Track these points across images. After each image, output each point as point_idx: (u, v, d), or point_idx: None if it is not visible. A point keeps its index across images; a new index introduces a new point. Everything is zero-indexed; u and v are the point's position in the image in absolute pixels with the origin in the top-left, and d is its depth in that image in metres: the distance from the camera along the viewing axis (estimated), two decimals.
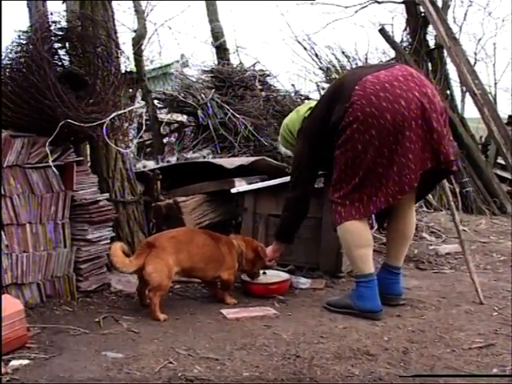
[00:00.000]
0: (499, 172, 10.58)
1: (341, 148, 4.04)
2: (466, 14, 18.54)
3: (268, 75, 9.36)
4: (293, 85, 10.43)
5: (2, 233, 3.98)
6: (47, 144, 4.16)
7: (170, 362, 3.21)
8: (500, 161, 10.56)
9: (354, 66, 10.13)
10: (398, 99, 3.87)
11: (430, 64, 10.54)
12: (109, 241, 4.58)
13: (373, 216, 4.82)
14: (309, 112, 4.53)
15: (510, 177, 10.28)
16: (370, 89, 3.90)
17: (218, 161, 6.14)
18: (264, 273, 4.71)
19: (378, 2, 15.33)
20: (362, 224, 4.14)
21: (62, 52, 4.59)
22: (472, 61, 18.76)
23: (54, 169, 4.23)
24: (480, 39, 21.04)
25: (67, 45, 4.61)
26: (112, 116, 4.44)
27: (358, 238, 4.14)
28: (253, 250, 4.56)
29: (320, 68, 10.55)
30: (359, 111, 3.89)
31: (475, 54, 21.08)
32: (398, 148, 3.88)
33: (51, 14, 4.66)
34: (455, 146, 8.03)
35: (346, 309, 4.17)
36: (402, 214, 4.36)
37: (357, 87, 3.94)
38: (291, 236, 4.71)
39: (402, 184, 3.94)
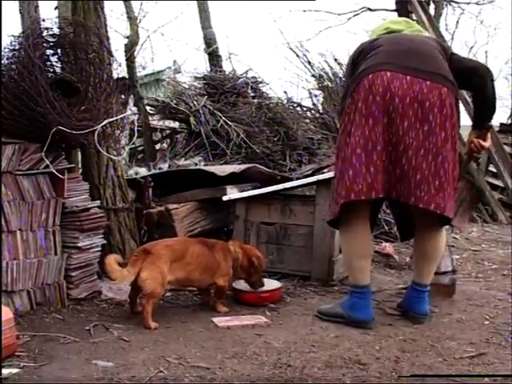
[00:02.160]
0: (491, 180, 10.59)
1: None
2: (457, 22, 18.65)
3: (260, 82, 9.37)
4: (285, 92, 10.45)
5: None
6: (43, 152, 4.17)
7: (161, 371, 3.18)
8: (491, 168, 10.58)
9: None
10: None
11: None
12: (100, 248, 4.57)
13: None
14: (385, 33, 4.24)
15: (501, 184, 10.29)
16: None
17: (209, 168, 6.13)
18: None
19: (371, 10, 15.42)
20: (366, 232, 4.09)
21: (53, 58, 4.58)
22: None
23: (56, 173, 4.23)
24: (472, 47, 21.24)
25: (59, 51, 4.59)
26: (104, 123, 4.42)
27: (359, 247, 4.07)
28: (248, 259, 4.54)
29: (312, 75, 10.56)
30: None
31: None
32: None
33: (43, 20, 4.64)
34: None
35: (337, 317, 4.13)
36: (425, 235, 4.19)
37: None
38: None
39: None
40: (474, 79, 4.05)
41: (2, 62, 4.26)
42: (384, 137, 3.78)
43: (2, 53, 4.28)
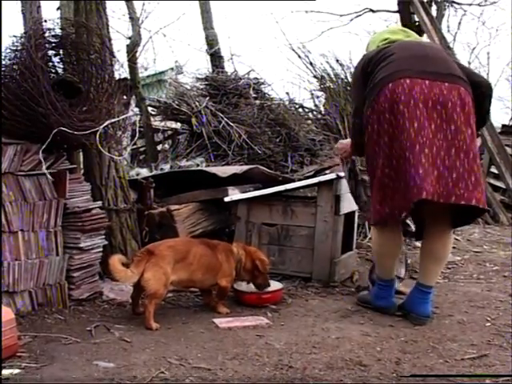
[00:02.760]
0: (492, 181, 10.59)
1: None
2: (460, 24, 18.63)
3: (262, 83, 9.36)
4: (287, 93, 10.44)
5: None
6: (40, 152, 4.16)
7: (162, 372, 3.18)
8: (493, 170, 10.57)
9: (347, 75, 10.13)
10: None
11: None
12: (101, 249, 4.58)
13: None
14: (385, 43, 4.36)
15: (503, 186, 10.28)
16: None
17: (211, 169, 6.13)
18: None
19: (373, 11, 15.41)
20: (393, 237, 4.30)
21: (55, 59, 4.59)
22: None
23: (49, 176, 4.23)
24: (474, 48, 21.16)
25: (61, 52, 4.60)
26: (105, 124, 4.43)
27: (388, 249, 4.33)
28: (252, 261, 4.55)
29: (314, 76, 10.54)
30: None
31: (469, 63, 21.16)
32: None
33: (45, 21, 4.64)
34: None
35: (366, 304, 4.54)
36: (437, 236, 4.28)
37: None
38: None
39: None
40: (477, 93, 4.13)
41: (4, 62, 4.26)
42: (419, 141, 3.85)
43: (4, 54, 4.28)
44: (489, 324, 4.21)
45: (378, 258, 4.45)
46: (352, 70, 10.04)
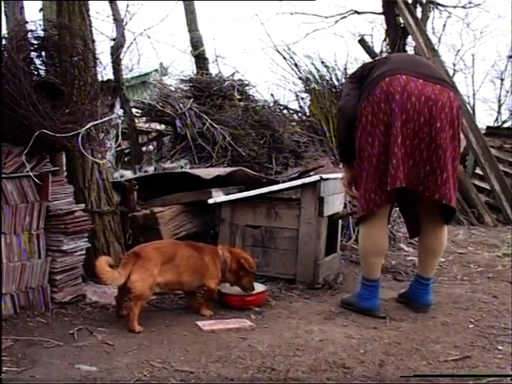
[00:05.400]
0: (477, 182, 10.64)
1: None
2: (444, 26, 18.65)
3: (247, 85, 9.35)
4: (272, 94, 10.45)
5: None
6: (24, 154, 4.13)
7: (145, 375, 3.17)
8: (478, 171, 10.62)
9: (332, 77, 10.14)
10: None
11: None
12: (84, 252, 4.56)
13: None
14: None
15: (488, 187, 10.33)
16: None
17: (195, 171, 6.12)
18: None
19: (358, 13, 15.46)
20: (381, 232, 4.44)
21: (38, 61, 4.55)
22: (451, 72, 18.97)
23: (34, 179, 4.21)
24: (459, 50, 21.20)
25: (43, 54, 4.57)
26: (88, 126, 4.41)
27: (374, 246, 4.43)
28: (237, 263, 4.54)
29: (299, 78, 10.55)
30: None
31: (454, 64, 21.22)
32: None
33: (27, 22, 4.61)
34: None
35: (349, 306, 4.55)
36: (432, 232, 4.55)
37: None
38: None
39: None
40: None
41: None
42: (402, 131, 4.08)
43: None
44: (472, 326, 4.24)
45: (366, 256, 4.49)
46: (337, 71, 10.10)
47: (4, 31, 5.17)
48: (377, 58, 4.67)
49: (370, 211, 4.31)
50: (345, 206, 6.31)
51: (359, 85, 4.41)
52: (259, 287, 4.72)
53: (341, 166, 4.75)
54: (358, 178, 4.43)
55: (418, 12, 14.40)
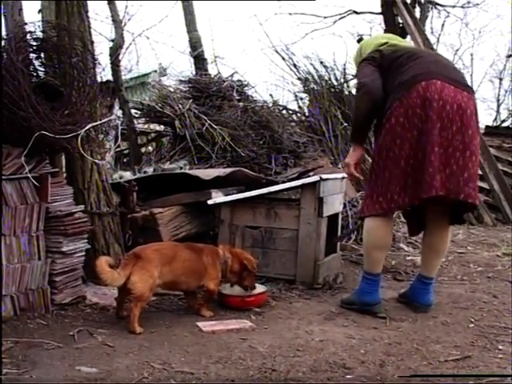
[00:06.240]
0: None
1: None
2: (443, 25, 18.64)
3: (246, 85, 9.33)
4: (271, 95, 10.44)
5: None
6: (23, 156, 4.13)
7: (145, 377, 3.17)
8: None
9: (331, 77, 10.14)
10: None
11: None
12: (84, 253, 4.54)
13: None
14: (384, 47, 4.59)
15: (487, 187, 10.32)
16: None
17: (194, 172, 6.11)
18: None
19: (357, 13, 15.44)
20: (387, 227, 4.45)
21: (37, 62, 4.54)
22: None
23: (33, 180, 4.20)
24: (457, 50, 21.18)
25: (42, 55, 4.56)
26: (87, 127, 4.40)
27: (379, 240, 4.45)
28: (239, 263, 4.54)
29: (298, 78, 10.53)
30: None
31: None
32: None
33: (26, 23, 4.61)
34: None
35: (351, 305, 4.54)
36: (438, 231, 4.56)
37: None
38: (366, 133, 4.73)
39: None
40: None
41: None
42: (438, 140, 4.11)
43: None
44: (472, 325, 4.23)
45: (370, 250, 4.51)
46: (336, 71, 10.09)
47: (3, 33, 5.18)
48: (392, 47, 4.56)
49: (391, 210, 4.40)
50: (344, 207, 6.32)
51: (378, 70, 4.42)
52: (259, 288, 4.72)
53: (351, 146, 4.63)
54: (371, 172, 4.43)
55: (417, 12, 14.41)
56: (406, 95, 4.17)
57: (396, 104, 4.20)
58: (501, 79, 21.43)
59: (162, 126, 8.97)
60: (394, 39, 4.83)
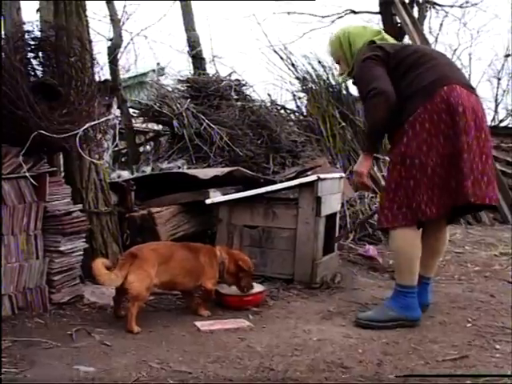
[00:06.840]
0: None
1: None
2: (441, 25, 18.63)
3: (244, 85, 9.34)
4: (269, 94, 10.43)
5: None
6: (21, 155, 4.13)
7: (143, 376, 3.17)
8: None
9: (329, 76, 10.14)
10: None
11: None
12: (82, 252, 4.55)
13: None
14: (379, 40, 4.49)
15: None
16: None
17: (192, 171, 6.12)
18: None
19: (355, 12, 15.43)
20: (419, 236, 4.28)
21: (35, 62, 4.54)
22: None
23: (31, 180, 4.20)
24: (456, 49, 21.15)
25: (40, 55, 4.56)
26: (85, 127, 4.40)
27: (417, 249, 4.25)
28: (235, 264, 4.54)
29: (296, 77, 10.52)
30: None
31: None
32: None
33: (24, 23, 4.61)
34: None
35: (394, 321, 4.16)
36: (437, 233, 4.48)
37: None
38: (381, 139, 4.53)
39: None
40: None
41: None
42: (464, 145, 4.04)
43: None
44: (470, 325, 4.23)
45: (408, 262, 4.26)
46: (334, 71, 10.07)
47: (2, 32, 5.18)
48: (393, 45, 4.45)
49: (418, 220, 4.18)
50: (342, 206, 6.32)
51: (387, 71, 4.25)
52: (257, 287, 4.72)
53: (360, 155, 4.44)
54: (391, 182, 4.23)
55: (415, 11, 14.41)
56: (429, 100, 4.07)
57: (420, 110, 4.08)
58: (499, 79, 21.43)
59: (160, 126, 8.96)
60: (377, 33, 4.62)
